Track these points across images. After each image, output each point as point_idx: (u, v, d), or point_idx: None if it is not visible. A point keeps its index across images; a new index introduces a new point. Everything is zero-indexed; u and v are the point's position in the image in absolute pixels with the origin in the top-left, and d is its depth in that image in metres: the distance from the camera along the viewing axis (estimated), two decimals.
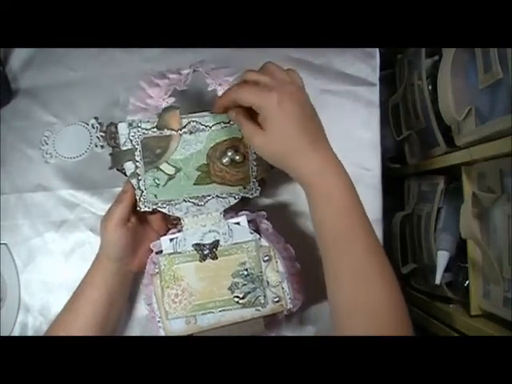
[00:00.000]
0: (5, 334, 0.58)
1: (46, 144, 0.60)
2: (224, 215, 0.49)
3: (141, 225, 0.51)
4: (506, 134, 0.49)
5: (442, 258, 0.64)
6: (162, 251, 0.49)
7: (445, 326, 0.62)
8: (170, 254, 0.48)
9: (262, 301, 0.48)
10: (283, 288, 0.48)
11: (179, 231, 0.49)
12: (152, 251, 0.51)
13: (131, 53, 0.61)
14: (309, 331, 0.56)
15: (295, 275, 0.50)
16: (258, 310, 0.48)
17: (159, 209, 0.49)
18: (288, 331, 0.56)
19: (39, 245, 0.59)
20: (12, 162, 0.60)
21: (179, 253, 0.48)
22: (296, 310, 0.51)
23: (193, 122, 0.47)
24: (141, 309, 0.56)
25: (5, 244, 0.59)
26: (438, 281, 0.64)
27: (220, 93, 0.49)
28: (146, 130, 0.47)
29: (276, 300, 0.48)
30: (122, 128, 0.46)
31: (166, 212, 0.49)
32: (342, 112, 0.60)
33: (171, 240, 0.49)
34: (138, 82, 0.52)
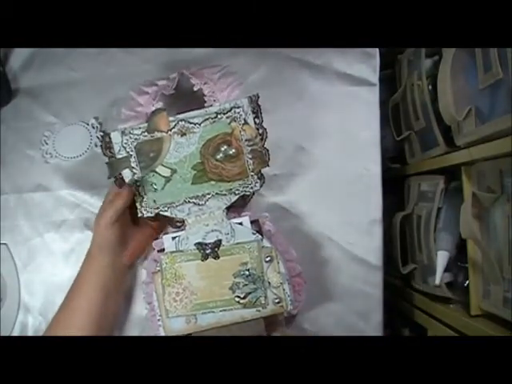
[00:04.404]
0: (5, 333, 0.58)
1: (46, 144, 0.60)
2: (227, 215, 0.50)
3: (133, 218, 0.51)
4: (506, 133, 0.49)
5: (442, 258, 0.64)
6: (164, 249, 0.49)
7: (445, 326, 0.62)
8: (172, 252, 0.48)
9: (263, 301, 0.48)
10: (284, 289, 0.48)
11: (182, 230, 0.50)
12: (144, 244, 0.52)
13: (131, 53, 0.60)
14: (308, 332, 0.56)
15: (296, 277, 0.50)
16: (259, 311, 0.48)
17: (161, 212, 0.49)
18: (288, 332, 0.56)
19: (39, 245, 0.59)
20: (12, 162, 0.60)
21: (181, 251, 0.48)
22: (295, 313, 0.51)
23: (181, 121, 0.48)
24: (140, 309, 0.56)
25: (5, 244, 0.59)
26: (437, 281, 0.64)
27: (206, 91, 0.50)
28: (138, 135, 0.48)
29: (277, 301, 0.48)
30: (115, 137, 0.48)
31: (169, 215, 0.50)
32: (342, 112, 0.60)
33: (173, 238, 0.49)
34: (130, 92, 0.54)
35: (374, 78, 0.60)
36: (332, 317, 0.57)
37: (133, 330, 0.56)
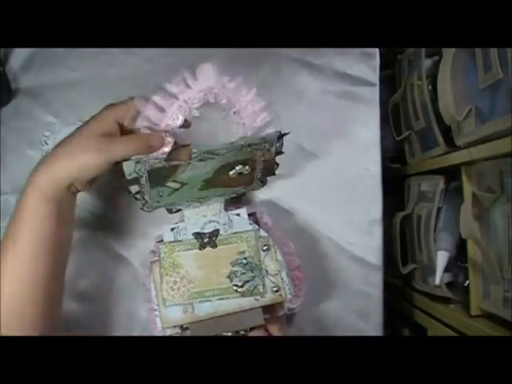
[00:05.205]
0: None
1: (46, 144, 0.60)
2: (225, 208, 0.51)
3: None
4: (506, 133, 0.49)
5: (442, 258, 0.64)
6: (162, 240, 0.49)
7: (445, 326, 0.62)
8: (170, 242, 0.49)
9: (261, 290, 0.48)
10: (282, 278, 0.48)
11: (181, 221, 0.50)
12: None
13: (132, 53, 0.61)
14: (308, 332, 0.56)
15: (295, 271, 0.51)
16: (257, 300, 0.48)
17: (161, 207, 0.51)
18: (287, 331, 0.56)
19: None
20: (12, 162, 0.60)
21: (180, 241, 0.49)
22: (296, 310, 0.51)
23: (204, 153, 0.44)
24: (140, 309, 0.56)
25: None
26: (437, 281, 0.64)
27: (234, 118, 0.46)
28: (154, 163, 0.43)
29: (275, 289, 0.48)
30: (129, 166, 0.43)
31: (168, 208, 0.51)
32: (342, 112, 0.60)
33: (172, 229, 0.49)
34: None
35: (374, 78, 0.60)
36: (332, 317, 0.57)
37: (134, 330, 0.56)
